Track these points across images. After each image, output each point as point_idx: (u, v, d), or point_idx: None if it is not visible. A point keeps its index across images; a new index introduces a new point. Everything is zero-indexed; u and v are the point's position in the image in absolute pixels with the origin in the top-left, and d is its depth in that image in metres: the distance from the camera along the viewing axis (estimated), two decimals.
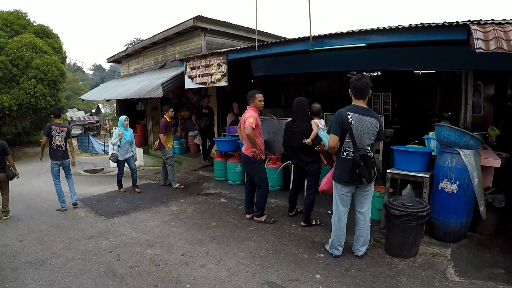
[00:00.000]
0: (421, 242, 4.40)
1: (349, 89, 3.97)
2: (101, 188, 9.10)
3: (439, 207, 4.51)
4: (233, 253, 4.38)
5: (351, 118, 3.83)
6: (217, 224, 5.51)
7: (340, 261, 4.15)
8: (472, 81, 5.86)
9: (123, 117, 8.05)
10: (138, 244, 4.79)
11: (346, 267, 4.01)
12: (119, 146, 7.81)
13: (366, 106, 3.98)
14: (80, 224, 5.84)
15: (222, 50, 7.64)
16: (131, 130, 8.18)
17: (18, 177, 6.68)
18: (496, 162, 4.76)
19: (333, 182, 4.14)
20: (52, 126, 6.78)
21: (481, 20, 4.21)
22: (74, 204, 6.97)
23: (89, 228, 5.62)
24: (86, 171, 16.82)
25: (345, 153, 3.93)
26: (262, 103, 5.42)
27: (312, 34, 5.60)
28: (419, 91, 10.58)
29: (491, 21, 4.07)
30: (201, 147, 10.45)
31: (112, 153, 7.89)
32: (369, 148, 3.92)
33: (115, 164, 8.15)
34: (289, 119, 6.56)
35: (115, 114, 21.97)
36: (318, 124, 5.16)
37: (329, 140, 3.94)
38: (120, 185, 8.15)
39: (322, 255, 4.30)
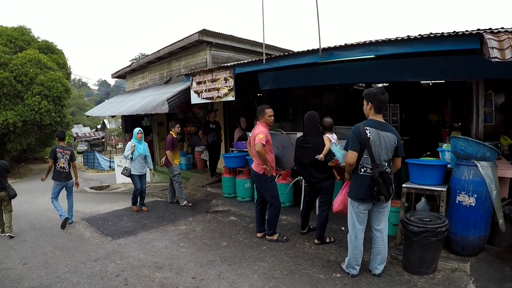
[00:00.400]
0: (439, 257, 4.24)
1: (368, 102, 3.83)
2: (107, 207, 8.96)
3: (457, 221, 4.37)
4: (246, 275, 4.21)
5: (369, 133, 3.70)
6: (228, 244, 5.35)
7: (358, 280, 3.98)
8: (483, 91, 5.74)
9: (137, 129, 7.89)
10: (146, 267, 4.63)
11: (364, 287, 3.84)
12: (131, 159, 7.61)
13: (384, 121, 3.86)
14: (86, 246, 5.69)
15: (228, 64, 7.57)
16: (145, 144, 7.98)
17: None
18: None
19: (349, 199, 3.99)
20: (57, 149, 7.02)
21: (491, 28, 4.12)
22: (69, 223, 7.03)
23: (95, 249, 5.46)
24: (92, 188, 16.69)
25: (362, 170, 3.79)
26: (272, 118, 5.30)
27: (322, 46, 5.51)
28: (427, 101, 10.44)
29: (505, 30, 3.98)
30: (208, 163, 10.33)
31: (125, 166, 7.69)
32: (386, 164, 3.78)
33: (122, 181, 8.03)
34: (298, 133, 6.47)
35: (121, 130, 21.97)
36: (331, 139, 5.03)
37: (347, 156, 3.80)
38: (134, 201, 7.92)
39: (338, 275, 4.13)
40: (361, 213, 3.91)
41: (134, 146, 7.60)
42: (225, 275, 4.23)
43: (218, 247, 5.23)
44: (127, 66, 15.13)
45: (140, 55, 57.92)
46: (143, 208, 7.79)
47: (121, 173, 7.93)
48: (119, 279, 4.30)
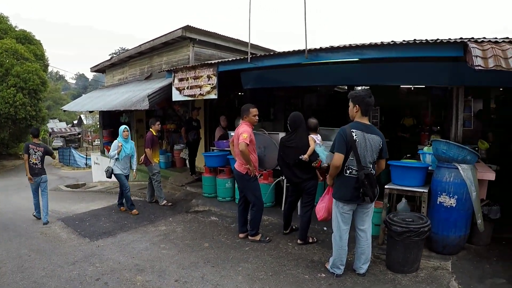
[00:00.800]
0: (422, 256, 4.33)
1: (355, 105, 3.84)
2: (84, 206, 8.70)
3: (438, 221, 4.49)
4: (230, 277, 4.15)
5: (355, 135, 3.72)
6: (210, 245, 5.26)
7: (343, 280, 4.00)
8: (463, 97, 5.89)
9: (123, 127, 7.49)
10: (127, 270, 4.47)
11: (350, 286, 3.87)
12: (117, 159, 7.26)
13: (369, 123, 3.88)
14: (63, 248, 5.46)
15: (212, 62, 7.49)
16: (132, 143, 7.63)
17: None
18: (491, 176, 4.87)
19: (334, 200, 4.01)
20: (30, 145, 6.95)
21: (473, 37, 4.24)
22: (45, 223, 6.85)
23: (73, 252, 5.23)
24: (67, 186, 16.25)
25: (348, 171, 3.81)
26: (257, 118, 5.26)
27: (308, 47, 5.51)
28: (406, 105, 10.62)
29: (488, 40, 4.10)
30: (188, 162, 10.20)
31: (108, 166, 7.30)
32: (371, 166, 3.81)
33: (98, 179, 7.79)
34: (280, 133, 6.46)
35: (98, 126, 21.47)
36: (315, 140, 5.03)
37: (334, 158, 3.80)
38: (131, 204, 7.34)
39: (323, 275, 4.13)
40: (346, 214, 3.94)
41: (121, 146, 7.23)
42: (208, 277, 4.15)
43: (200, 248, 5.15)
44: (107, 60, 14.77)
45: (120, 49, 56.74)
46: (121, 208, 7.58)
47: (105, 171, 7.60)
48: (99, 283, 4.13)
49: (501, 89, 8.74)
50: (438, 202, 4.52)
